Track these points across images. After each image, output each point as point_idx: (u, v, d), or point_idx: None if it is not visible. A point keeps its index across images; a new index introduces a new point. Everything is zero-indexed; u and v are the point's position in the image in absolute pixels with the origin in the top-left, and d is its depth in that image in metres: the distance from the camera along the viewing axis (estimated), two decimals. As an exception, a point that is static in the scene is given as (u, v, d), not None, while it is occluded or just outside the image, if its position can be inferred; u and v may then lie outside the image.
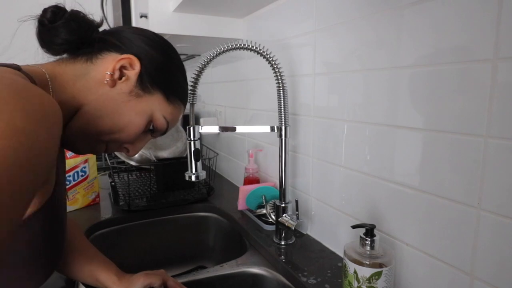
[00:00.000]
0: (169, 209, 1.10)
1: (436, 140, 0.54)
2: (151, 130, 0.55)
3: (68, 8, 0.50)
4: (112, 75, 0.48)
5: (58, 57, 0.51)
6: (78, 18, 0.49)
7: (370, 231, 0.57)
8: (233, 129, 0.84)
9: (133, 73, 0.50)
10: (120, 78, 0.49)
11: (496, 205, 0.46)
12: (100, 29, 0.53)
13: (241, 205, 1.02)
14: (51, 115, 0.35)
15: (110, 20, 1.35)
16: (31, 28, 0.49)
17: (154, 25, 1.02)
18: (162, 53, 0.53)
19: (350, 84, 0.71)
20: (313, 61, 0.81)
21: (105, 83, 0.48)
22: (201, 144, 0.85)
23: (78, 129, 0.49)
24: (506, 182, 0.45)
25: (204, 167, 1.03)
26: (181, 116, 0.60)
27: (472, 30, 0.48)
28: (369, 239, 0.57)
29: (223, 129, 0.83)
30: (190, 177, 0.78)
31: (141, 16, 1.07)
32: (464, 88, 0.49)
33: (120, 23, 1.30)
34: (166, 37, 1.14)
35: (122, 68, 0.49)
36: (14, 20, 0.49)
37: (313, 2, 0.79)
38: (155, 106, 0.52)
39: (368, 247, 0.57)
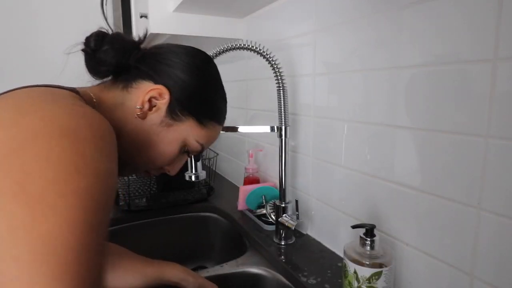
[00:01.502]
0: (169, 209, 1.10)
1: (436, 140, 0.54)
2: (187, 152, 0.55)
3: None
4: (141, 108, 0.48)
5: (100, 81, 0.52)
6: (116, 44, 0.49)
7: (370, 231, 0.57)
8: (233, 129, 0.84)
9: (162, 103, 0.49)
10: (150, 109, 0.49)
11: (496, 205, 0.46)
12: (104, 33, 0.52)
13: (241, 205, 1.02)
14: (116, 149, 0.38)
15: (110, 20, 1.34)
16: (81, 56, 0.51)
17: (154, 25, 1.02)
18: (196, 76, 0.52)
19: (350, 84, 0.71)
20: (313, 61, 0.81)
21: (136, 117, 0.49)
22: (201, 144, 0.85)
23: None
24: (506, 182, 0.45)
25: (204, 167, 1.03)
26: (218, 135, 0.59)
27: (472, 30, 0.48)
28: (369, 239, 0.57)
29: (223, 129, 0.83)
30: (190, 177, 0.78)
31: (141, 16, 1.07)
32: (464, 88, 0.49)
33: (120, 23, 1.30)
34: (166, 37, 1.14)
35: (152, 98, 0.49)
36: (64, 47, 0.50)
37: (313, 2, 0.79)
38: (187, 132, 0.52)
39: (368, 247, 0.57)
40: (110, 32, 0.51)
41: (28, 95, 0.38)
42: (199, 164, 0.79)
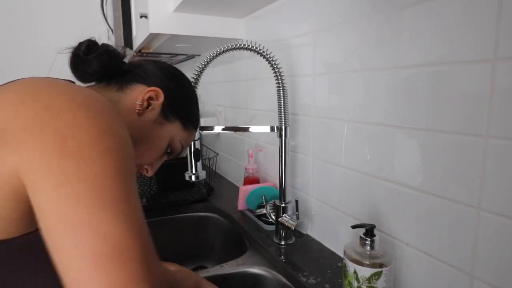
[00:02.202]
0: (169, 209, 1.10)
1: (436, 140, 0.54)
2: (168, 153, 0.60)
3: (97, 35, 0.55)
4: (141, 104, 0.54)
5: (92, 84, 0.56)
6: (109, 52, 0.54)
7: (370, 231, 0.57)
8: (233, 129, 0.84)
9: (158, 104, 0.55)
10: (147, 108, 0.55)
11: (496, 205, 0.46)
12: (100, 32, 0.55)
13: (241, 205, 1.02)
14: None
15: (110, 20, 1.34)
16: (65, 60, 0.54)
17: (154, 25, 1.02)
18: (180, 86, 0.60)
19: (350, 84, 0.71)
20: (313, 61, 0.81)
21: (136, 111, 0.54)
22: (201, 144, 0.85)
23: None
24: (506, 182, 0.45)
25: (204, 167, 1.03)
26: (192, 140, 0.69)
27: (471, 30, 0.48)
28: (369, 239, 0.57)
29: (223, 129, 0.83)
30: (190, 177, 0.78)
31: (141, 16, 1.07)
32: (464, 88, 0.49)
33: (120, 23, 1.29)
34: (166, 37, 1.14)
35: (149, 99, 0.55)
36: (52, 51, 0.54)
37: (313, 2, 0.79)
38: (174, 132, 0.59)
39: (368, 247, 0.57)
40: (109, 32, 0.54)
41: (38, 80, 0.41)
42: (199, 164, 0.78)
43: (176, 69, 0.62)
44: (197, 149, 0.77)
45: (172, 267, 0.71)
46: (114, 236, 0.32)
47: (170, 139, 0.58)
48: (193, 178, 0.78)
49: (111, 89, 0.55)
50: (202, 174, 0.79)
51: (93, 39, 0.53)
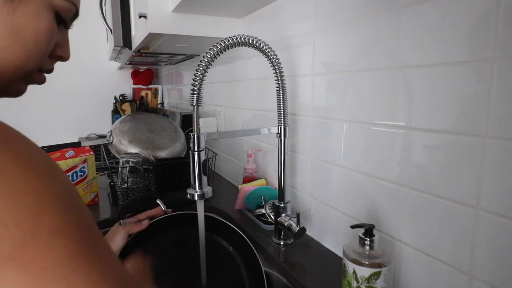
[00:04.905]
0: (168, 209, 1.10)
1: (435, 140, 0.54)
2: (64, 22, 0.41)
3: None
4: None
5: None
6: None
7: (369, 231, 0.57)
8: (236, 133, 0.84)
9: None
10: None
11: (495, 205, 0.47)
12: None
13: (239, 204, 1.02)
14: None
15: (109, 20, 1.34)
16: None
17: (153, 25, 1.02)
18: None
19: (349, 84, 0.71)
20: (312, 61, 0.81)
21: None
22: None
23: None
24: (504, 181, 0.45)
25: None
26: None
27: (471, 30, 0.48)
28: (368, 239, 0.57)
29: (224, 134, 0.82)
30: (192, 195, 0.65)
31: (140, 16, 1.06)
32: (462, 88, 0.49)
33: (119, 23, 1.29)
34: (165, 37, 1.14)
35: None
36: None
37: (312, 2, 0.79)
38: None
39: (367, 247, 0.57)
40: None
41: None
42: (204, 179, 0.65)
43: None
44: (205, 160, 0.64)
45: None
46: None
47: (49, 5, 0.38)
48: (197, 197, 0.64)
49: None
50: (208, 191, 0.66)
51: None
